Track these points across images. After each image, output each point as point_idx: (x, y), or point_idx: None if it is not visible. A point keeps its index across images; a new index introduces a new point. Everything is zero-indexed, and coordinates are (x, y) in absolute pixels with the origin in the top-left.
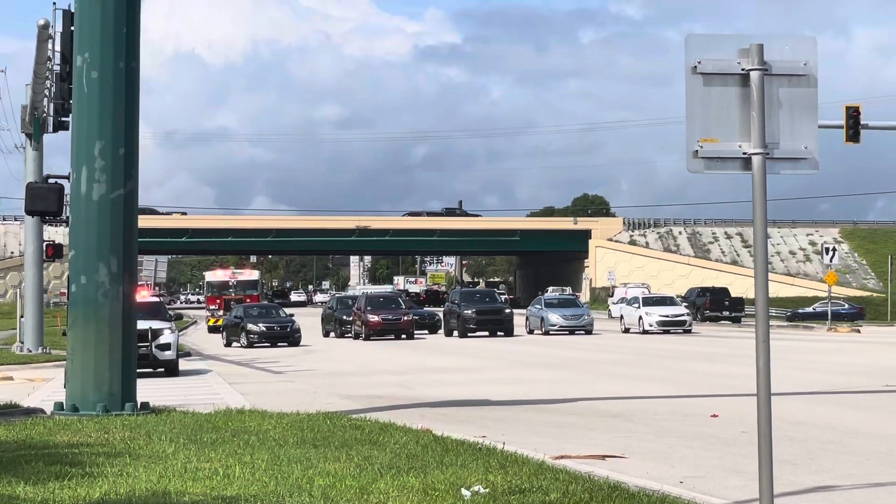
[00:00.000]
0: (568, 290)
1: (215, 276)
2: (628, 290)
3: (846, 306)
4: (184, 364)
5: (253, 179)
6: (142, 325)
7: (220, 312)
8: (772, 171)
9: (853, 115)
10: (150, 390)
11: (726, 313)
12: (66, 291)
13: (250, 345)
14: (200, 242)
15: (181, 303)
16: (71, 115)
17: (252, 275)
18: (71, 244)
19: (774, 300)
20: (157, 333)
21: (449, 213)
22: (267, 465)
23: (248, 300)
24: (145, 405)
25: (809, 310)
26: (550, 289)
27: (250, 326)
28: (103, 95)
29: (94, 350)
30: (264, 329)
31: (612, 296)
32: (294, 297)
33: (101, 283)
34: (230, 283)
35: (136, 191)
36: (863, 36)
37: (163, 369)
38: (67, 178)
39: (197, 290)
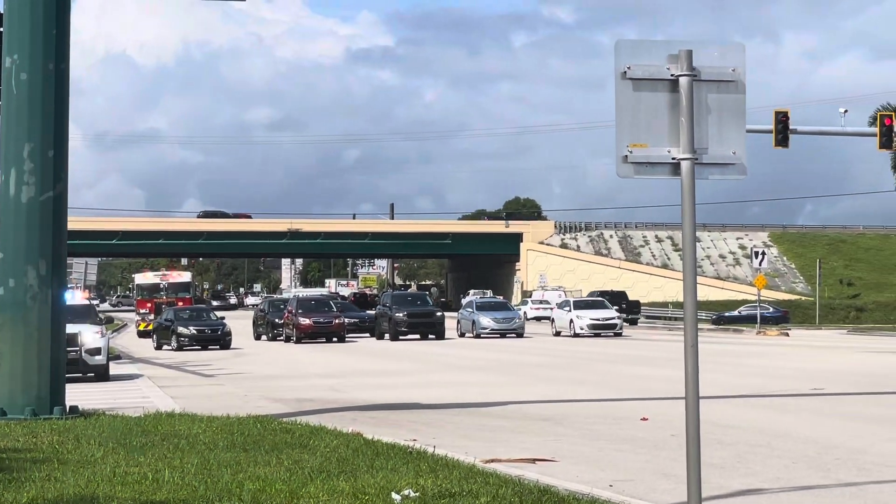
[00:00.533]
0: (489, 292)
1: (145, 278)
2: (545, 293)
3: (771, 310)
4: (114, 368)
5: (184, 182)
6: (71, 328)
7: (151, 316)
8: (700, 176)
9: (782, 120)
10: (79, 394)
11: (624, 315)
12: None
13: (180, 348)
14: (131, 245)
15: (111, 305)
16: (0, 116)
17: (183, 277)
18: None
19: (704, 303)
20: (86, 338)
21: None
22: (196, 470)
23: (181, 303)
24: (74, 409)
25: (735, 313)
26: (472, 292)
27: (181, 329)
28: (32, 97)
29: (23, 354)
30: (195, 332)
31: (530, 296)
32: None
33: (29, 287)
34: (161, 286)
35: (65, 193)
36: (792, 40)
37: (93, 374)
38: None
39: (127, 293)
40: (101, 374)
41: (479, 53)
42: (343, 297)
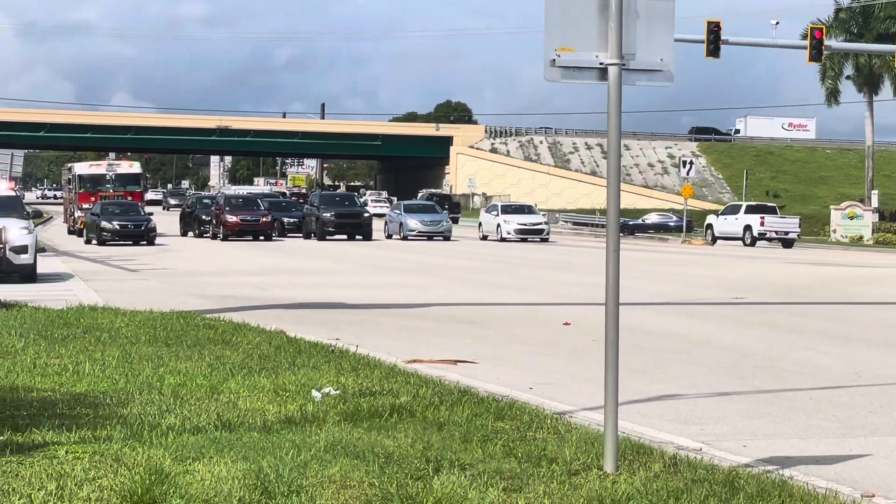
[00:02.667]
0: (384, 194)
1: (89, 168)
2: (421, 192)
3: (675, 218)
4: (41, 266)
5: (114, 75)
6: None
7: None
8: (627, 81)
9: (714, 30)
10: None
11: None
12: None
13: (102, 242)
14: (59, 137)
15: (38, 198)
16: None
17: (133, 167)
18: None
19: (630, 212)
20: (11, 234)
21: None
22: (118, 363)
23: (130, 197)
24: None
25: (639, 221)
26: (369, 193)
27: (103, 224)
28: None
29: None
30: (117, 227)
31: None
32: (151, 195)
33: None
34: (107, 177)
35: None
36: None
37: (17, 275)
38: None
39: (55, 185)
40: (28, 275)
41: None
42: (293, 196)
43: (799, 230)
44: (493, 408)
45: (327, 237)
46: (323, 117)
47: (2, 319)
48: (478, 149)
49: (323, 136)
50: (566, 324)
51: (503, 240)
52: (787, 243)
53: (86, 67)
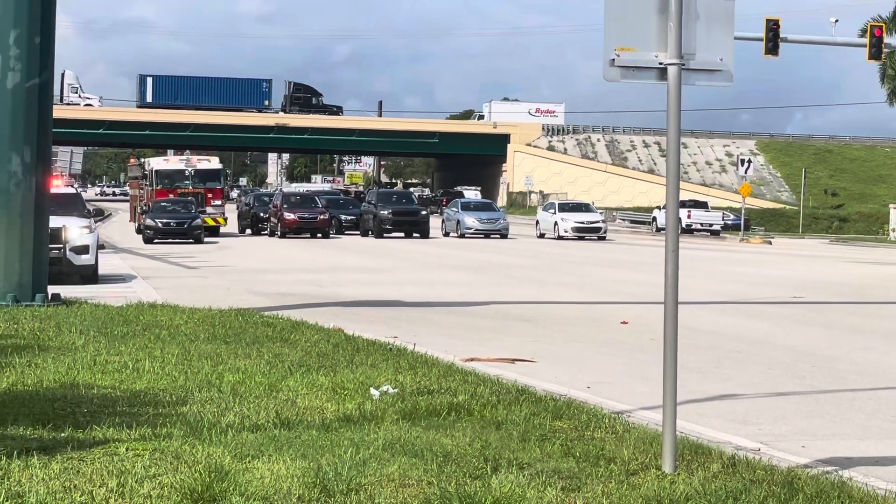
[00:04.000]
0: (478, 192)
1: (167, 163)
2: (466, 192)
3: (732, 217)
4: (101, 263)
5: (173, 73)
6: (54, 222)
7: None
8: (687, 81)
9: (773, 28)
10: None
11: None
12: None
13: (148, 240)
14: (117, 135)
15: (97, 195)
16: None
17: (212, 163)
18: None
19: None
20: (71, 233)
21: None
22: (177, 360)
23: (210, 194)
24: (56, 297)
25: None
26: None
27: (147, 221)
28: None
29: (5, 240)
30: (160, 225)
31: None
32: None
33: (13, 173)
34: (186, 172)
35: (51, 81)
36: None
37: (78, 276)
38: None
39: (114, 182)
40: (89, 277)
41: None
42: (350, 194)
43: (723, 223)
44: (551, 407)
45: (384, 235)
46: (380, 115)
47: (62, 316)
48: (535, 146)
49: (380, 133)
50: (624, 322)
51: (560, 238)
52: (714, 233)
53: (144, 65)
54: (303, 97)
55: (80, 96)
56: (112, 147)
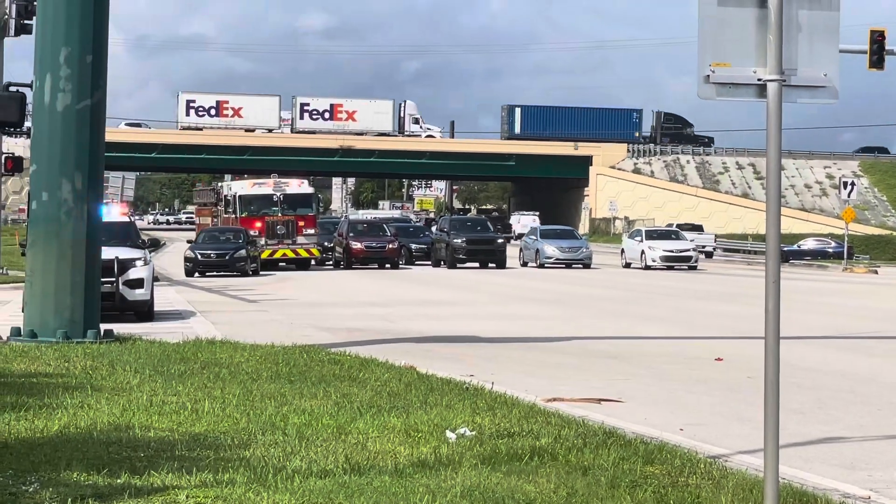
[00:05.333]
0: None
1: (252, 188)
2: (521, 218)
3: (833, 244)
4: (157, 298)
5: (231, 92)
6: (107, 253)
7: (264, 240)
8: (788, 99)
9: (878, 39)
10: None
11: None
12: (25, 208)
13: (189, 273)
14: (172, 159)
15: (150, 223)
16: (35, 17)
17: (303, 186)
18: (32, 158)
19: (787, 237)
20: (125, 265)
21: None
22: (238, 401)
23: (302, 222)
24: (109, 333)
25: (794, 247)
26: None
27: (188, 253)
28: None
29: (56, 273)
30: (199, 256)
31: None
32: None
33: (63, 201)
34: (274, 198)
35: (103, 101)
36: None
37: (132, 312)
38: (30, 86)
39: (167, 210)
40: (144, 313)
41: None
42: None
43: (714, 245)
44: (642, 451)
45: (458, 265)
46: (452, 136)
47: (115, 354)
48: (619, 169)
49: (452, 155)
50: (718, 359)
51: (647, 267)
52: (707, 255)
53: (201, 83)
54: (673, 127)
55: (420, 127)
56: (166, 172)
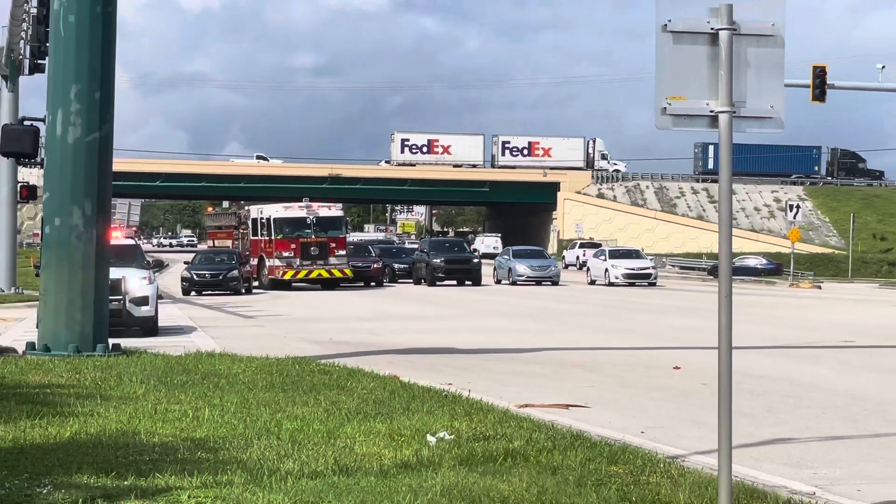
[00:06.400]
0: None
1: (286, 211)
2: (485, 239)
3: (764, 261)
4: (161, 315)
5: (227, 125)
6: (114, 273)
7: (298, 261)
8: (738, 129)
9: (820, 74)
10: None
11: None
12: (39, 233)
13: (185, 292)
14: (174, 187)
15: (155, 246)
16: (47, 57)
17: (333, 210)
18: (45, 186)
19: (738, 255)
20: (131, 284)
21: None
22: (236, 408)
23: (334, 244)
24: (117, 347)
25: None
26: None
27: (183, 273)
28: (80, 39)
29: (67, 291)
30: (195, 276)
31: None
32: None
33: (74, 226)
34: (308, 221)
35: (111, 134)
36: None
37: (138, 327)
38: (43, 120)
39: (170, 233)
40: (149, 329)
41: (523, 2)
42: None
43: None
44: (606, 452)
45: (437, 283)
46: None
47: (123, 366)
48: (585, 194)
49: (432, 182)
50: (676, 368)
51: (611, 284)
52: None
53: (200, 118)
54: (849, 162)
55: (608, 162)
56: (169, 199)
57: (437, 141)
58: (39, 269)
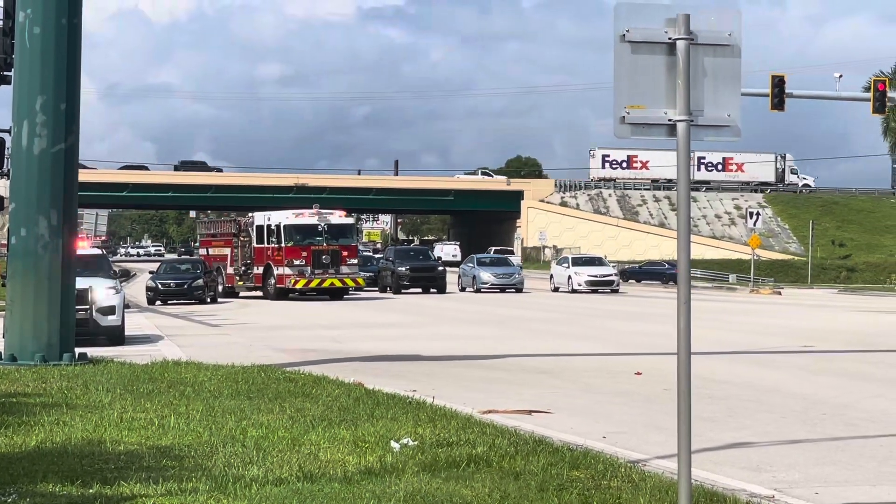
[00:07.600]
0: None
1: (296, 218)
2: (444, 247)
3: (666, 266)
4: (128, 324)
5: (194, 135)
6: (81, 283)
7: (310, 269)
8: (696, 137)
9: (778, 84)
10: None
11: None
12: (5, 243)
13: (150, 302)
14: (141, 196)
15: (122, 256)
16: (13, 69)
17: (344, 218)
18: (11, 197)
19: (700, 262)
20: (98, 294)
21: None
22: (201, 416)
23: (345, 252)
24: (83, 356)
25: (636, 267)
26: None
27: (148, 283)
28: (45, 51)
29: (33, 301)
30: (159, 286)
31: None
32: None
33: (40, 236)
34: (320, 228)
35: (76, 145)
36: (796, 5)
37: (105, 337)
38: (9, 131)
39: (136, 243)
40: (116, 338)
41: (488, 13)
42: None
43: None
44: (568, 457)
45: (402, 291)
46: (396, 173)
47: (89, 374)
48: (548, 202)
49: (397, 191)
50: (638, 374)
51: (574, 291)
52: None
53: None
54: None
55: (798, 177)
56: (136, 209)
57: (636, 157)
58: (5, 279)
